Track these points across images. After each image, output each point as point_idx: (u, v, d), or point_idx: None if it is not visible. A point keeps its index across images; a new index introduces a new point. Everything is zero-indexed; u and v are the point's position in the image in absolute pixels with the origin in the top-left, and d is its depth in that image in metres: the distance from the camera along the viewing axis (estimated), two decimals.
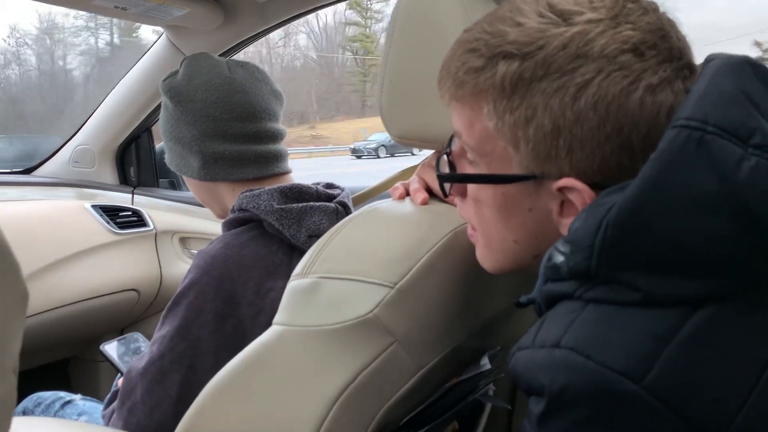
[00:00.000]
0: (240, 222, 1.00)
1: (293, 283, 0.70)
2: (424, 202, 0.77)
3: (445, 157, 0.66)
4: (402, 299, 0.65)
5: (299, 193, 1.00)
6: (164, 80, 1.09)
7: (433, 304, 0.68)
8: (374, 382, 0.66)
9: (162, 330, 0.94)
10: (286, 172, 1.11)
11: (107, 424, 1.01)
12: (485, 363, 0.85)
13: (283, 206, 0.96)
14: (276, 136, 1.09)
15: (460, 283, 0.71)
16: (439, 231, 0.70)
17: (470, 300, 0.72)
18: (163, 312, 0.96)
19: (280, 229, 0.94)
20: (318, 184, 1.07)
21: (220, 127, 1.03)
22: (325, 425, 0.65)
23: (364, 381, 0.65)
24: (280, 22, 1.62)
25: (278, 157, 1.09)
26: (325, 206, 0.99)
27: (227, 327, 0.92)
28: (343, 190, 1.08)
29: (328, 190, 1.05)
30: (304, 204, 0.97)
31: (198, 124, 1.04)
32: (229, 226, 1.02)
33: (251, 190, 0.99)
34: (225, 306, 0.92)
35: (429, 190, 0.79)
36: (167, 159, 1.13)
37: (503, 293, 0.80)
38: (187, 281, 0.94)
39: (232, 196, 1.08)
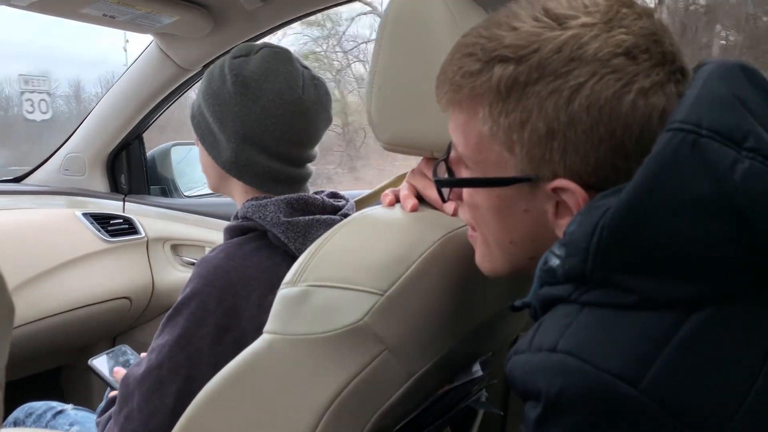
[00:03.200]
0: (243, 230, 0.99)
1: (283, 291, 0.69)
2: (414, 209, 0.77)
3: (442, 162, 0.66)
4: (392, 306, 0.65)
5: (305, 204, 0.99)
6: (235, 57, 1.02)
7: (424, 310, 0.68)
8: (365, 390, 0.65)
9: (161, 338, 0.94)
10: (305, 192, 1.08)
11: (102, 431, 1.01)
12: (477, 369, 0.85)
13: (290, 219, 0.95)
14: (310, 160, 1.07)
15: (451, 289, 0.71)
16: (429, 237, 0.70)
17: (461, 306, 0.72)
18: (163, 319, 0.96)
19: (286, 242, 0.93)
20: (322, 192, 1.07)
21: (267, 140, 1.00)
22: None
23: (355, 389, 0.65)
24: (270, 29, 1.62)
25: (304, 180, 1.07)
26: (331, 219, 0.98)
27: (227, 339, 0.91)
28: (347, 201, 1.07)
29: (333, 202, 1.04)
30: (311, 217, 0.96)
31: (248, 125, 1.00)
32: (231, 233, 1.00)
33: (257, 198, 0.98)
34: (226, 318, 0.91)
35: (419, 197, 0.79)
36: (195, 119, 1.07)
37: (493, 298, 0.80)
38: (188, 290, 0.93)
39: (242, 194, 1.05)
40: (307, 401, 0.66)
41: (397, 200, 0.80)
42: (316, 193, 1.06)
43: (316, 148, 1.09)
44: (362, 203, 1.14)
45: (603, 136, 0.53)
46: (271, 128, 0.99)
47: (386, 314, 0.65)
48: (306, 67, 1.05)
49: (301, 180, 1.06)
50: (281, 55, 1.03)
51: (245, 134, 1.00)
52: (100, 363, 1.22)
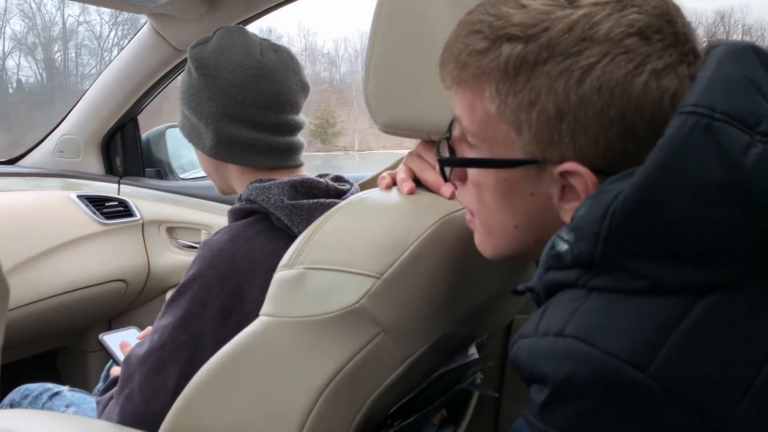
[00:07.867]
0: (247, 213, 0.99)
1: (280, 274, 0.69)
2: (411, 192, 0.76)
3: (445, 141, 0.65)
4: (388, 289, 0.65)
5: (309, 187, 0.98)
6: (193, 47, 1.06)
7: (420, 293, 0.68)
8: (361, 372, 0.66)
9: (164, 319, 0.94)
10: (299, 165, 1.09)
11: (102, 410, 1.01)
12: (473, 352, 0.86)
13: (293, 202, 0.94)
14: (295, 128, 1.07)
15: (447, 272, 0.71)
16: (426, 220, 0.70)
17: (457, 289, 0.72)
18: (166, 300, 0.96)
19: (289, 225, 0.93)
20: (326, 176, 1.06)
21: (241, 111, 1.01)
22: (312, 415, 0.65)
23: (351, 371, 0.65)
24: (265, 10, 1.61)
25: (293, 150, 1.07)
26: (335, 203, 0.98)
27: (230, 322, 0.91)
28: (352, 185, 1.07)
29: (337, 186, 1.03)
30: (315, 201, 0.96)
31: (219, 102, 1.01)
32: (235, 215, 1.00)
33: (261, 181, 0.98)
34: (230, 301, 0.91)
35: (416, 180, 0.79)
36: (180, 124, 1.10)
37: (490, 281, 0.80)
38: (192, 272, 0.93)
39: (240, 179, 1.06)
40: (303, 383, 0.66)
41: (394, 183, 0.80)
42: (320, 176, 1.05)
43: (301, 117, 1.08)
44: (364, 186, 1.14)
45: (614, 118, 0.52)
46: (240, 97, 1.01)
47: (382, 297, 0.65)
48: (265, 39, 1.07)
49: (287, 149, 1.06)
50: (235, 30, 1.06)
51: (219, 112, 1.02)
52: (111, 339, 1.22)
